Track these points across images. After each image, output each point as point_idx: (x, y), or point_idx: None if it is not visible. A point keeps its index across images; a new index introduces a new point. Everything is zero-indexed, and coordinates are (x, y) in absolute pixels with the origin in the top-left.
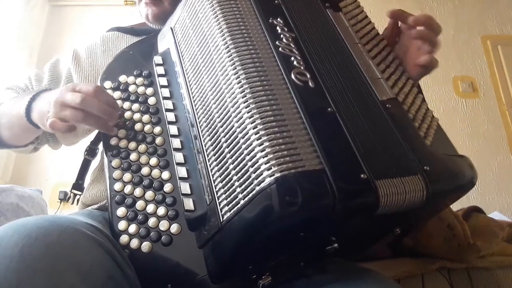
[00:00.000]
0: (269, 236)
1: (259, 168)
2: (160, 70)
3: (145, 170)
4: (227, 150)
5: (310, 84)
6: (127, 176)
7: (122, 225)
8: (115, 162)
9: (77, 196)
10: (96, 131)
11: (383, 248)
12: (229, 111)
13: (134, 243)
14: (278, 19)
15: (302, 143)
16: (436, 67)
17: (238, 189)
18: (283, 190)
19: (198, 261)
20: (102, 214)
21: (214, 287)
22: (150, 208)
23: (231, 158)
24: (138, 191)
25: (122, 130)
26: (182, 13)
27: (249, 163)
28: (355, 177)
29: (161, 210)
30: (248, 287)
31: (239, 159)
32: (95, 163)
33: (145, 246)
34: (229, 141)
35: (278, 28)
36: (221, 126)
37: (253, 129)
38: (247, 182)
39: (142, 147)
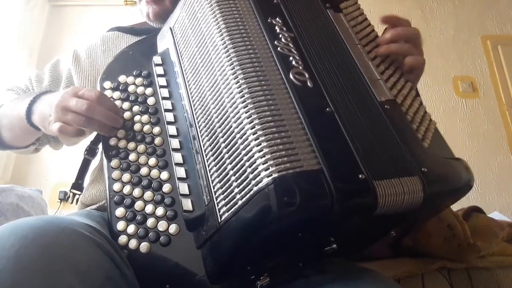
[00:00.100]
0: (267, 237)
1: (257, 168)
2: (159, 70)
3: (144, 170)
4: (225, 150)
5: (308, 84)
6: (126, 177)
7: (120, 225)
8: (114, 162)
9: (77, 196)
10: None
11: (383, 248)
12: (227, 111)
13: (133, 243)
14: (277, 18)
15: (300, 143)
16: (423, 67)
17: (236, 190)
18: (281, 190)
19: (197, 262)
20: (101, 215)
21: (213, 287)
22: (149, 208)
23: (229, 158)
24: (137, 192)
25: (121, 130)
26: (181, 13)
27: (247, 163)
28: (353, 177)
29: (160, 211)
30: (246, 287)
31: (237, 159)
32: (95, 163)
33: (144, 246)
34: (227, 141)
35: (277, 27)
36: (220, 127)
37: (251, 129)
38: (245, 183)
39: (141, 147)
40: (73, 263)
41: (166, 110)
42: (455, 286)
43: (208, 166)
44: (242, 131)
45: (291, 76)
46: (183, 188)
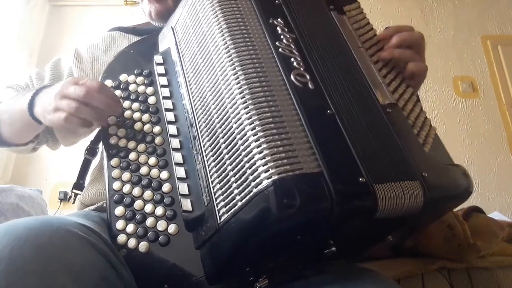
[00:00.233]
0: (266, 239)
1: (257, 170)
2: (160, 69)
3: (144, 170)
4: (225, 151)
5: (309, 85)
6: (126, 175)
7: (120, 224)
8: (114, 161)
9: (78, 196)
10: (96, 131)
11: (383, 249)
12: (227, 112)
13: (132, 242)
14: (279, 19)
15: (301, 145)
16: (424, 74)
17: (236, 191)
18: (281, 192)
19: (195, 262)
20: (100, 215)
21: None
22: (148, 207)
23: (229, 159)
24: (136, 191)
25: (121, 129)
26: (183, 12)
27: (247, 165)
28: (353, 180)
29: (159, 210)
30: None
31: (237, 160)
32: (95, 163)
33: (143, 246)
34: (227, 142)
35: (278, 28)
36: (220, 127)
37: (252, 130)
38: (244, 184)
39: (141, 147)
40: (66, 263)
41: (167, 110)
42: (455, 286)
43: (208, 167)
44: (242, 132)
45: (292, 77)
46: (183, 188)
